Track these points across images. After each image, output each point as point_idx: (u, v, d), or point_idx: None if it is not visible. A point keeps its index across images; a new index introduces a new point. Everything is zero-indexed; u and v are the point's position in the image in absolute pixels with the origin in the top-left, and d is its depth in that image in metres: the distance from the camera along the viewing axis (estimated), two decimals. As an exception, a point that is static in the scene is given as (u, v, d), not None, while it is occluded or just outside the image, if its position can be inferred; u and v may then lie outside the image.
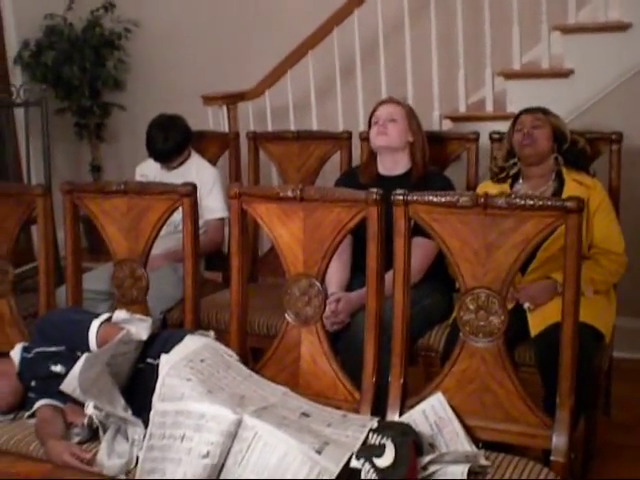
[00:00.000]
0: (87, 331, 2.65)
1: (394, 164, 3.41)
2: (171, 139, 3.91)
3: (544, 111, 3.31)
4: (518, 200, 2.34)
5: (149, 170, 4.08)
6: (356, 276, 3.11)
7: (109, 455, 2.39)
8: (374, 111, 3.46)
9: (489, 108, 4.27)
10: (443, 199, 2.43)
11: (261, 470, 2.19)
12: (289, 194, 2.63)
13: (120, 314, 2.75)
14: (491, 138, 3.59)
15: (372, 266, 2.55)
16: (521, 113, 3.36)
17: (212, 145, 4.24)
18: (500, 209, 2.36)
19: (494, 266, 2.38)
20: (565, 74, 4.07)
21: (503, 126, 3.75)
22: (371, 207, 2.52)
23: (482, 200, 2.37)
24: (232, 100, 4.82)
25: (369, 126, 3.47)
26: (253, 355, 3.14)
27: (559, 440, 2.33)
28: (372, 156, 3.49)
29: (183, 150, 3.98)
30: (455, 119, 4.36)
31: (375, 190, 2.53)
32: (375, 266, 2.54)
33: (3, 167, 5.85)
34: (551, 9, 4.16)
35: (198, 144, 4.15)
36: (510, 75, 4.25)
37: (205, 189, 3.83)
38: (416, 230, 2.55)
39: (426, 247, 3.01)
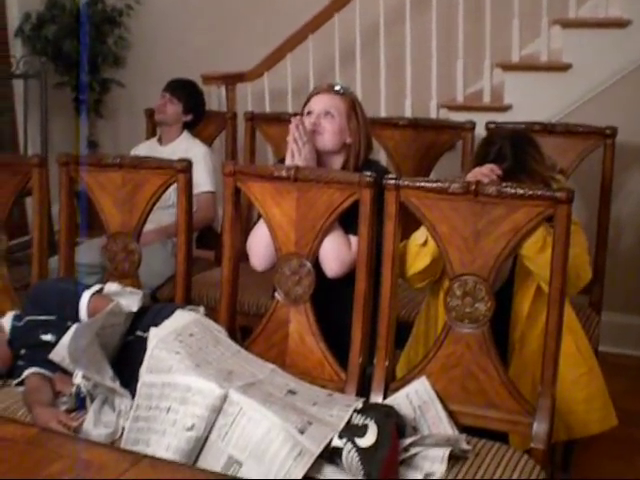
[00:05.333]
0: (78, 301, 2.67)
1: (322, 165, 2.88)
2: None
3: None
4: (509, 189, 2.36)
5: (141, 149, 4.15)
6: None
7: (95, 424, 2.42)
8: (308, 99, 2.98)
9: (486, 99, 4.29)
10: (434, 185, 2.45)
11: (244, 445, 2.21)
12: (283, 174, 2.65)
13: (111, 286, 2.78)
14: (487, 128, 3.60)
15: (362, 248, 2.57)
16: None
17: (210, 124, 4.28)
18: (491, 197, 2.37)
19: (482, 253, 2.40)
20: (563, 68, 4.09)
21: (500, 117, 3.79)
22: (364, 189, 2.54)
23: (473, 187, 2.38)
24: (231, 80, 4.83)
25: (302, 114, 2.95)
26: (242, 334, 3.16)
27: (540, 427, 2.34)
28: None
29: (198, 113, 4.24)
30: (452, 108, 4.38)
31: (369, 173, 2.55)
32: (365, 248, 2.56)
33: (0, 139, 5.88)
34: (552, 3, 4.19)
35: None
36: (508, 67, 4.27)
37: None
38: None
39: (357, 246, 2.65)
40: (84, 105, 6.13)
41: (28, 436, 1.89)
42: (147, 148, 4.13)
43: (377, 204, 2.57)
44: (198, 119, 4.21)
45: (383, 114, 4.42)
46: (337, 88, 2.96)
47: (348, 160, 2.93)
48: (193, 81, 4.31)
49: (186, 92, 4.18)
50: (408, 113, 4.43)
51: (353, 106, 2.95)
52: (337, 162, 2.93)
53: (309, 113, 2.93)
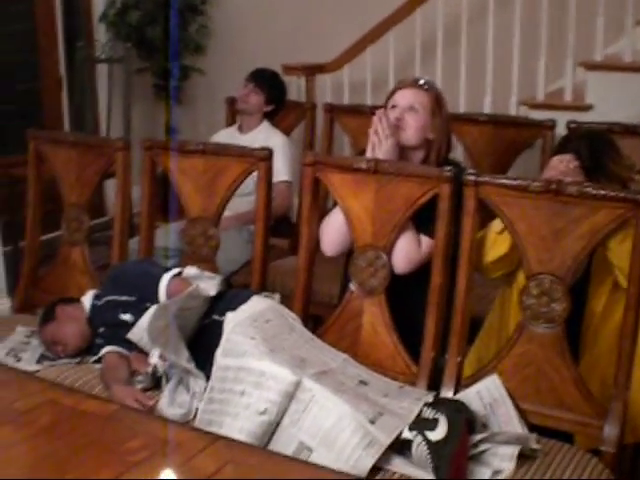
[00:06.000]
0: (158, 283, 2.72)
1: (403, 160, 2.86)
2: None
3: None
4: (590, 189, 2.35)
5: (221, 136, 4.20)
6: None
7: (170, 404, 2.46)
8: (393, 93, 2.95)
9: (567, 97, 4.25)
10: (515, 182, 2.44)
11: (315, 432, 2.24)
12: (363, 166, 2.67)
13: (190, 270, 2.82)
14: (568, 128, 3.57)
15: (440, 243, 2.58)
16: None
17: (289, 115, 4.31)
18: (571, 197, 2.36)
19: (561, 253, 2.39)
20: (647, 69, 4.04)
21: (580, 116, 3.74)
22: (443, 184, 2.54)
23: (554, 186, 2.37)
24: (311, 71, 4.86)
25: (385, 107, 2.94)
26: (313, 323, 3.19)
27: (611, 431, 2.33)
28: None
29: (280, 104, 4.27)
30: (532, 106, 4.35)
31: (449, 167, 2.55)
32: (442, 244, 2.57)
33: (82, 121, 6.00)
34: (638, 3, 4.13)
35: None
36: (591, 66, 4.22)
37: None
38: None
39: (427, 246, 2.71)
40: (173, 92, 6.20)
41: (107, 412, 1.95)
42: (227, 136, 4.18)
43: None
44: (279, 110, 4.25)
45: (462, 110, 4.41)
46: (422, 83, 2.93)
47: (429, 156, 2.90)
48: (277, 72, 4.35)
49: (269, 83, 4.22)
50: (487, 109, 4.41)
51: (437, 102, 2.91)
52: (417, 157, 2.90)
53: (393, 107, 2.90)
